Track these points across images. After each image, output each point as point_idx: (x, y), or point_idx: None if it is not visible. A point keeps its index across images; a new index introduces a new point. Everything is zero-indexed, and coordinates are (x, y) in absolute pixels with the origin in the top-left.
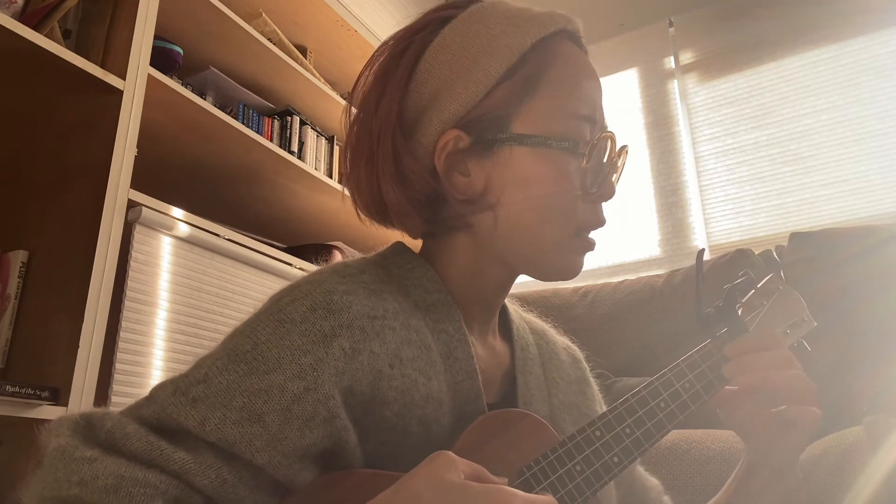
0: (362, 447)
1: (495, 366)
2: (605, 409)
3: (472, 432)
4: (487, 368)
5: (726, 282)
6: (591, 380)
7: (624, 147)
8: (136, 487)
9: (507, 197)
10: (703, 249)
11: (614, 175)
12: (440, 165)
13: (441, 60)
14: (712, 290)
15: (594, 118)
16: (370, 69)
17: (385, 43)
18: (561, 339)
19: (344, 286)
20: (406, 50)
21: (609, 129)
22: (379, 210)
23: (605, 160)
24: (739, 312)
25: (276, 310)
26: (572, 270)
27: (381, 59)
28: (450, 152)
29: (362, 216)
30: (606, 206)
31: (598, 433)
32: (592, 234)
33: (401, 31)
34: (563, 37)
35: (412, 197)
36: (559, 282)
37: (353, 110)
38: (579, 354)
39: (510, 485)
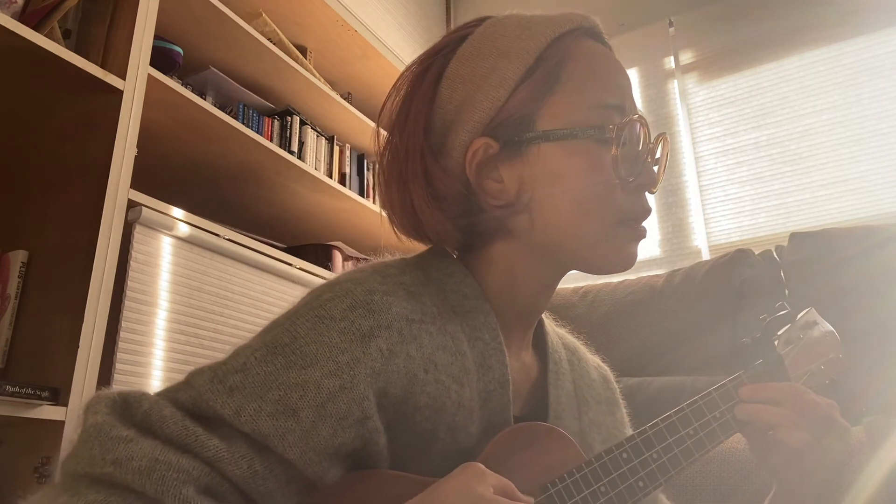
0: (389, 448)
1: (524, 379)
2: (631, 432)
3: (498, 443)
4: (517, 381)
5: (726, 282)
6: (621, 401)
7: (661, 135)
8: (169, 472)
9: (542, 194)
10: (746, 279)
11: (655, 165)
12: (472, 175)
13: (462, 74)
14: (711, 290)
15: (623, 107)
16: (396, 93)
17: (408, 67)
18: (592, 358)
19: (384, 286)
20: (427, 70)
21: (637, 115)
22: (415, 227)
23: (639, 147)
24: (776, 345)
25: (317, 305)
26: (625, 261)
27: (406, 82)
28: (480, 161)
29: (399, 235)
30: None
31: (625, 455)
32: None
33: (422, 54)
34: (580, 34)
35: (446, 209)
36: (617, 274)
37: (383, 134)
38: (610, 375)
39: (535, 501)
